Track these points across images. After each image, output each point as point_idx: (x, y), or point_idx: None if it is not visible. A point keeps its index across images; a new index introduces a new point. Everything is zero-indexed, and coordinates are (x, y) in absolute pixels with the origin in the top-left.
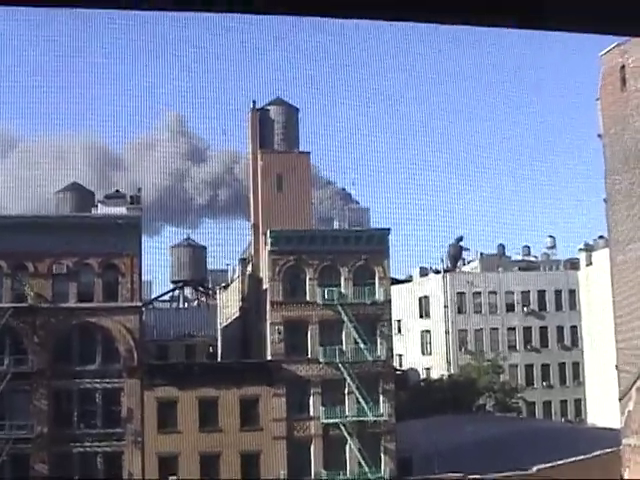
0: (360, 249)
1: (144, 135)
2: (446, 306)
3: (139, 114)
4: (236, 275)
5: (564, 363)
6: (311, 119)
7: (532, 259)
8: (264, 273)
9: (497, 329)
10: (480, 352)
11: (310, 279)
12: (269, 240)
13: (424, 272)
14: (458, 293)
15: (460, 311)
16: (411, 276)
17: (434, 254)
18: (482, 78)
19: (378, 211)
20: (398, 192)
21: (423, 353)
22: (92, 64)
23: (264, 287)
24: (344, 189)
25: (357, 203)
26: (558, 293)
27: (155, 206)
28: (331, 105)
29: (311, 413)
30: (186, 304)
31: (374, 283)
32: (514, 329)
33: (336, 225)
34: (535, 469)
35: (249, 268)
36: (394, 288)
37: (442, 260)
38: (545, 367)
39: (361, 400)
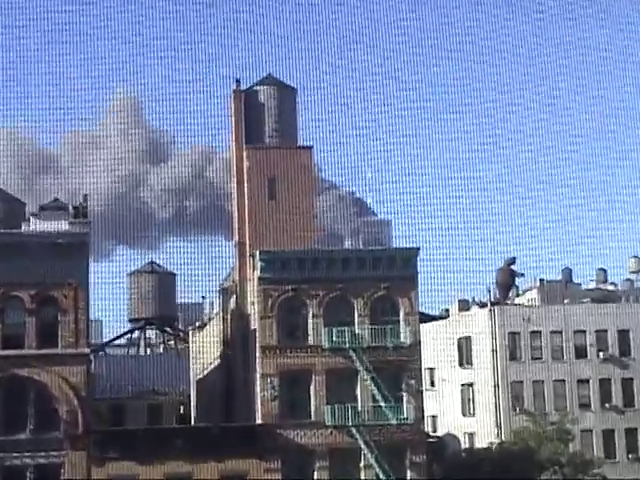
0: (379, 275)
1: (89, 127)
2: (494, 351)
3: (81, 100)
4: (215, 311)
5: None
6: (314, 103)
7: (610, 287)
8: (253, 308)
9: (563, 381)
10: (541, 412)
11: (314, 316)
12: (259, 264)
13: (465, 306)
14: (510, 333)
15: (513, 357)
16: (447, 311)
17: (478, 281)
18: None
19: (403, 225)
20: (429, 200)
21: (464, 414)
22: (19, 39)
23: (253, 327)
24: (358, 197)
25: (375, 214)
26: None
27: (107, 220)
28: (341, 85)
29: None
30: (149, 350)
31: (398, 320)
32: (587, 382)
33: (348, 244)
34: None
35: (232, 301)
36: (424, 327)
37: (489, 289)
38: (631, 433)
39: (382, 476)
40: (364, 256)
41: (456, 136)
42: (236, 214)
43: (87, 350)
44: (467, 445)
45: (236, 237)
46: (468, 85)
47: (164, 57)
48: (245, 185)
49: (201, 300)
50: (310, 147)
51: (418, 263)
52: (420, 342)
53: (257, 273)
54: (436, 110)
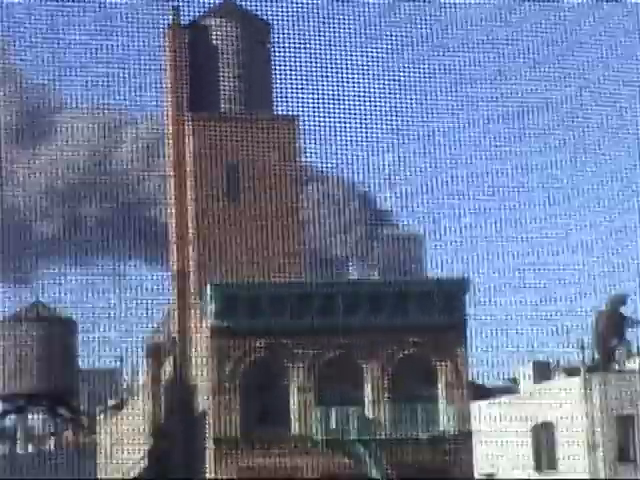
0: (406, 323)
1: None
2: (592, 446)
3: None
4: (140, 381)
5: None
6: (301, 49)
7: None
8: (201, 376)
9: None
10: None
11: (300, 389)
12: (211, 306)
13: (543, 372)
14: (619, 418)
15: (624, 457)
16: (515, 381)
17: (564, 333)
18: None
19: (441, 240)
20: (484, 203)
21: None
22: None
23: (201, 407)
24: (369, 195)
25: (396, 223)
26: None
27: None
28: (341, 22)
29: None
30: (30, 445)
31: (436, 396)
32: None
33: (354, 271)
34: None
35: (168, 366)
36: (479, 407)
37: (582, 347)
38: None
39: None
40: (381, 291)
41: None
42: (173, 226)
43: None
44: None
45: (173, 263)
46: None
47: None
48: (188, 177)
49: (117, 365)
50: (294, 118)
51: (468, 303)
52: (471, 432)
53: (208, 320)
54: None
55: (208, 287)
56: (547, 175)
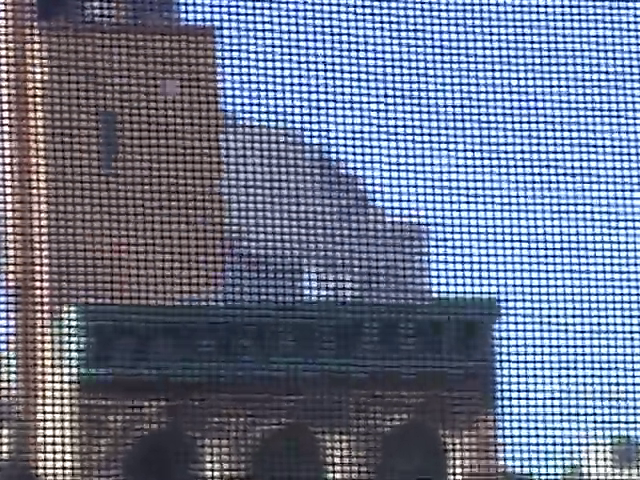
0: (396, 372)
1: None
2: None
3: None
4: None
5: None
6: None
7: None
8: (53, 461)
9: None
10: None
11: None
12: (74, 342)
13: (629, 455)
14: None
15: None
16: (575, 470)
17: None
18: None
19: (447, 236)
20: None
21: None
22: None
23: None
24: (332, 157)
25: (374, 201)
26: None
27: None
28: None
29: None
30: None
31: None
32: None
33: (314, 287)
34: None
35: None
36: None
37: None
38: None
39: None
40: (358, 317)
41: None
42: (9, 206)
43: None
44: None
45: (7, 272)
46: None
47: None
48: (35, 128)
49: None
50: (210, 29)
51: (499, 338)
52: None
53: (69, 368)
54: None
55: (68, 311)
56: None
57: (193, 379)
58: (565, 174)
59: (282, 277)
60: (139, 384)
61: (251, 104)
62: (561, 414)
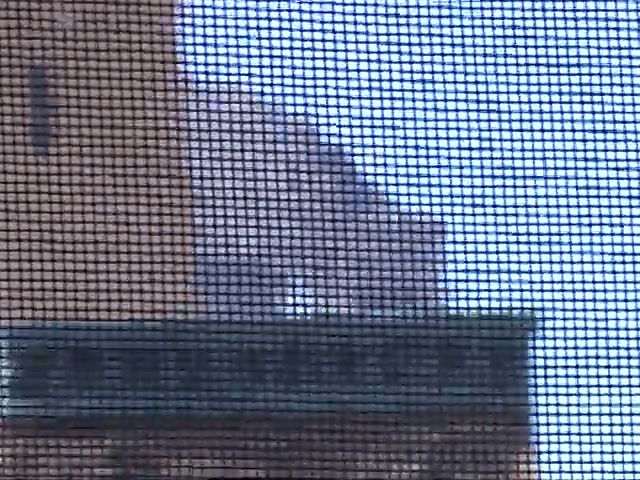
0: (409, 402)
1: None
2: None
3: None
4: None
5: None
6: None
7: None
8: None
9: None
10: None
11: None
12: (2, 368)
13: None
14: None
15: None
16: None
17: None
18: None
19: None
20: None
21: None
22: None
23: None
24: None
25: (385, 198)
26: None
27: None
28: None
29: None
30: None
31: None
32: None
33: (304, 299)
34: None
35: None
36: None
37: None
38: None
39: None
40: (359, 332)
41: None
42: None
43: None
44: None
45: None
46: None
47: None
48: None
49: None
50: None
51: (537, 355)
52: None
53: None
54: None
55: None
56: None
57: (162, 415)
58: (618, 177)
59: (269, 281)
60: (87, 419)
61: (226, 65)
62: (612, 452)
